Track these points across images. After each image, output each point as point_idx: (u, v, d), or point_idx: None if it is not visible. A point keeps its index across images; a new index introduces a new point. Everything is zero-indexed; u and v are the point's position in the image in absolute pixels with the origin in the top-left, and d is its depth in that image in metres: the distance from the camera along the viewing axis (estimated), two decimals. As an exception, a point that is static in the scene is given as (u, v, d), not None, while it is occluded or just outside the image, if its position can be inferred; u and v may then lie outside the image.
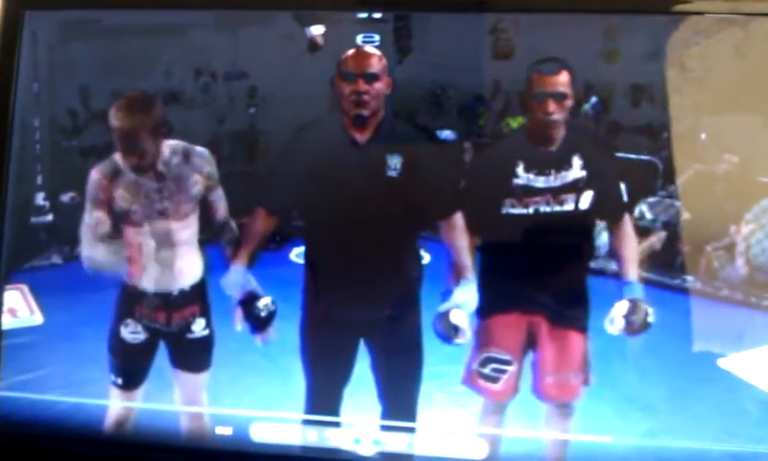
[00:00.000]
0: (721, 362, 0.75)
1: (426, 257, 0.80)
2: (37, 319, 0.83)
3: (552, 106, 0.75)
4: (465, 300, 0.78)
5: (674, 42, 0.74)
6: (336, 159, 0.79)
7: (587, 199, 0.77)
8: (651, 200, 0.78)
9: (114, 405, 0.83)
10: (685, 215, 0.77)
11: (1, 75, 0.81)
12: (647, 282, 0.78)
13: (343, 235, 0.79)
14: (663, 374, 0.76)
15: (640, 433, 0.76)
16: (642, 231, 0.78)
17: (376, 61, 0.77)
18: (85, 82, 0.82)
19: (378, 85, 0.77)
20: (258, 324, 0.81)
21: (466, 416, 0.78)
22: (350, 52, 0.78)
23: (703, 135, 0.76)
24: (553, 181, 0.77)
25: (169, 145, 0.81)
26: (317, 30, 0.78)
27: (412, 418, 0.79)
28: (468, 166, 0.78)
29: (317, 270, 0.80)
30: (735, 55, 0.74)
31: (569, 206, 0.77)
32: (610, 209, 0.78)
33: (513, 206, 0.77)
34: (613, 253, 0.78)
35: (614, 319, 0.76)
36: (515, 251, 0.77)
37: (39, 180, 0.83)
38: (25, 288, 0.84)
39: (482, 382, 0.79)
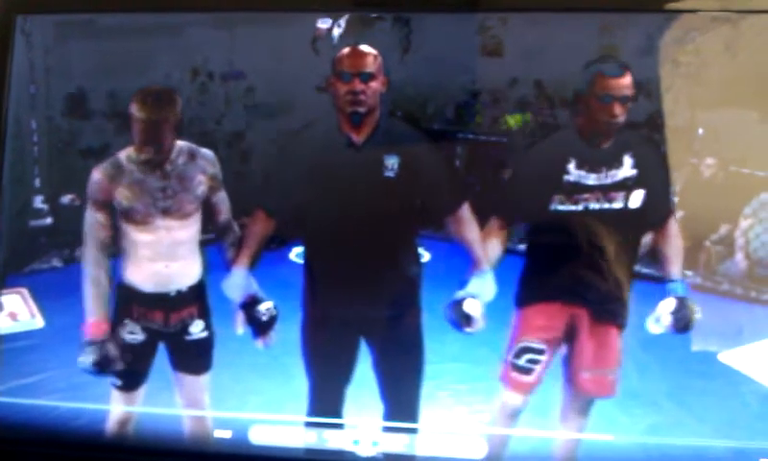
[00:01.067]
0: (721, 357, 0.75)
1: (426, 256, 0.80)
2: (38, 322, 0.83)
3: (618, 109, 0.75)
4: (479, 290, 0.78)
5: (668, 39, 0.74)
6: (333, 160, 0.79)
7: (636, 198, 0.77)
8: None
9: (114, 409, 0.82)
10: (684, 210, 0.77)
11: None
12: (647, 278, 0.78)
13: (341, 235, 0.79)
14: (664, 369, 0.76)
15: (642, 428, 0.76)
16: (646, 229, 0.78)
17: (372, 60, 0.77)
18: (82, 83, 0.82)
19: (374, 84, 0.78)
20: (260, 328, 0.81)
21: (466, 415, 0.78)
22: (346, 51, 0.78)
23: (700, 130, 0.76)
24: (604, 178, 0.77)
25: (175, 145, 0.82)
26: (314, 29, 0.78)
27: (414, 417, 0.79)
28: (517, 161, 0.78)
29: (317, 270, 0.80)
30: (729, 51, 0.74)
31: (618, 204, 0.77)
32: (657, 209, 0.78)
33: (562, 203, 0.77)
34: (658, 251, 0.78)
35: (661, 317, 0.76)
36: (562, 244, 0.77)
37: (38, 183, 0.83)
38: (25, 292, 0.84)
39: (515, 375, 0.79)
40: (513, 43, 0.76)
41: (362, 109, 0.78)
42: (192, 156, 0.82)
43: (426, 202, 0.79)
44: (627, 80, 0.75)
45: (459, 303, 0.78)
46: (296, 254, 0.81)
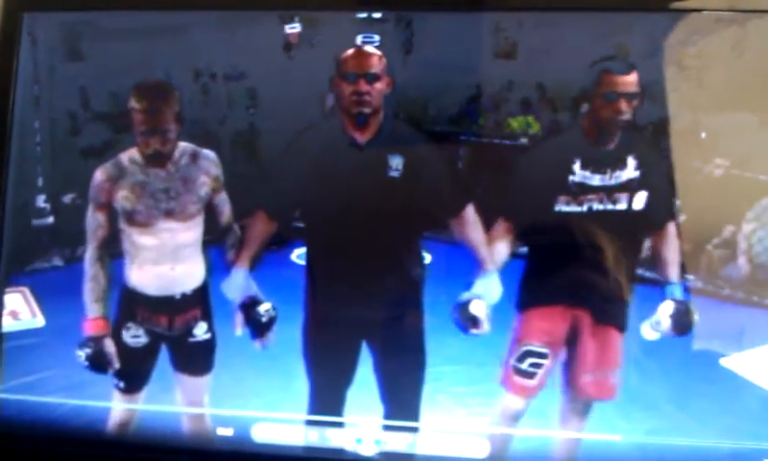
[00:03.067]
0: (723, 361, 0.75)
1: (428, 258, 0.79)
2: (39, 321, 0.83)
3: (623, 106, 0.75)
4: (485, 291, 0.78)
5: (673, 41, 0.74)
6: (336, 161, 0.79)
7: (640, 199, 0.77)
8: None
9: (116, 407, 0.83)
10: (686, 213, 0.77)
11: (0, 77, 0.81)
12: (648, 282, 0.78)
13: (343, 236, 0.79)
14: (666, 373, 0.76)
15: (644, 432, 0.76)
16: (647, 231, 0.78)
17: (377, 61, 0.77)
18: (86, 83, 0.81)
19: (379, 85, 0.77)
20: (259, 329, 0.81)
21: (468, 416, 0.78)
22: (350, 52, 0.78)
23: (703, 134, 0.75)
24: (608, 179, 0.76)
25: (178, 145, 0.82)
26: (316, 30, 0.78)
27: (414, 419, 0.79)
28: (521, 161, 0.78)
29: (318, 271, 0.80)
30: (733, 53, 0.74)
31: (622, 206, 0.77)
32: (659, 211, 0.77)
33: (567, 204, 0.76)
34: (656, 254, 0.78)
35: (660, 320, 0.76)
36: (565, 245, 0.77)
37: (40, 182, 0.83)
38: (26, 291, 0.84)
39: (517, 379, 0.79)
40: (520, 44, 0.76)
41: (367, 110, 0.78)
42: (195, 157, 0.82)
43: (430, 203, 0.79)
44: (633, 77, 0.75)
45: (465, 304, 0.78)
46: (297, 255, 0.81)
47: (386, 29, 0.78)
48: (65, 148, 0.83)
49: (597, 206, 0.76)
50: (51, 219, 0.83)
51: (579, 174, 0.76)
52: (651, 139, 0.76)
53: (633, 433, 0.76)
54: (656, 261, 0.78)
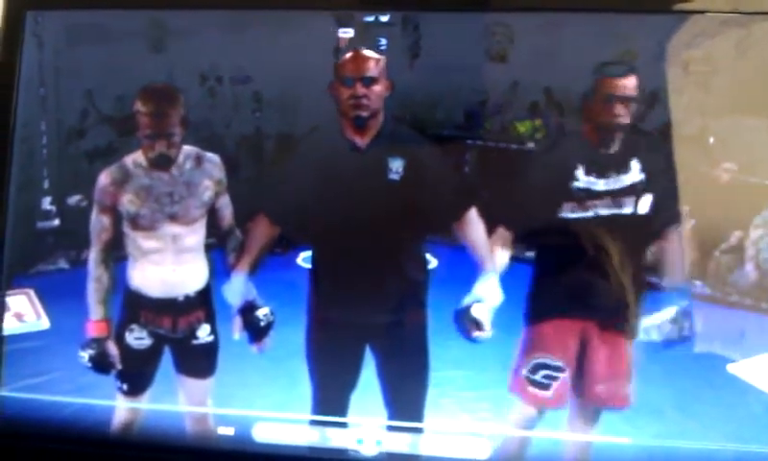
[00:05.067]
0: (730, 367, 0.75)
1: (433, 262, 0.79)
2: (44, 323, 0.83)
3: (620, 109, 0.75)
4: (485, 293, 0.77)
5: (679, 44, 0.74)
6: (337, 165, 0.79)
7: (646, 202, 0.76)
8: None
9: (120, 407, 0.83)
10: (694, 219, 0.76)
11: (3, 75, 0.81)
12: (657, 288, 0.77)
13: (345, 240, 0.79)
14: (673, 378, 0.75)
15: (650, 437, 0.75)
16: (653, 236, 0.78)
17: (374, 65, 0.77)
18: (91, 86, 0.82)
19: (377, 88, 0.77)
20: (256, 333, 0.81)
21: (471, 419, 0.78)
22: (348, 55, 0.78)
23: (711, 139, 0.75)
24: (613, 183, 0.76)
25: (183, 149, 0.82)
26: (336, 39, 0.78)
27: (417, 421, 0.78)
28: (526, 169, 0.78)
29: (322, 275, 0.80)
30: (742, 57, 0.74)
31: (628, 210, 0.76)
32: (665, 214, 0.77)
33: (572, 210, 0.76)
34: (661, 259, 0.78)
35: (661, 326, 0.76)
36: (571, 255, 0.77)
37: (46, 184, 0.83)
38: (32, 293, 0.84)
39: (531, 389, 0.78)
40: (521, 48, 0.76)
41: (365, 114, 0.78)
42: (199, 160, 0.82)
43: (432, 206, 0.79)
44: (630, 81, 0.75)
45: (466, 309, 0.77)
46: (302, 258, 0.81)
47: (393, 32, 0.78)
48: (72, 150, 0.83)
49: (604, 211, 0.76)
50: (57, 221, 0.83)
51: (583, 180, 0.76)
52: (654, 142, 0.76)
53: (639, 437, 0.75)
54: (660, 266, 0.78)
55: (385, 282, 0.79)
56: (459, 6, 0.77)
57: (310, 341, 0.80)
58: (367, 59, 0.77)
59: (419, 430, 0.78)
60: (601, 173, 0.76)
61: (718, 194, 0.75)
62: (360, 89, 0.77)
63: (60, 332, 0.83)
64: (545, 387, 0.79)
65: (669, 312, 0.76)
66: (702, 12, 0.74)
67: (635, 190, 0.76)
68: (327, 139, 0.79)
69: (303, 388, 0.80)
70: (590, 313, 0.78)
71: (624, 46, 0.75)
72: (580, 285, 0.77)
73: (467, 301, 0.77)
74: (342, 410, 0.79)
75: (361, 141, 0.79)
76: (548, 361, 0.79)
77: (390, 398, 0.80)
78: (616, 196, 0.76)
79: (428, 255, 0.79)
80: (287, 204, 0.81)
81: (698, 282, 0.76)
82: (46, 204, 0.83)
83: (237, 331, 0.81)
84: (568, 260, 0.77)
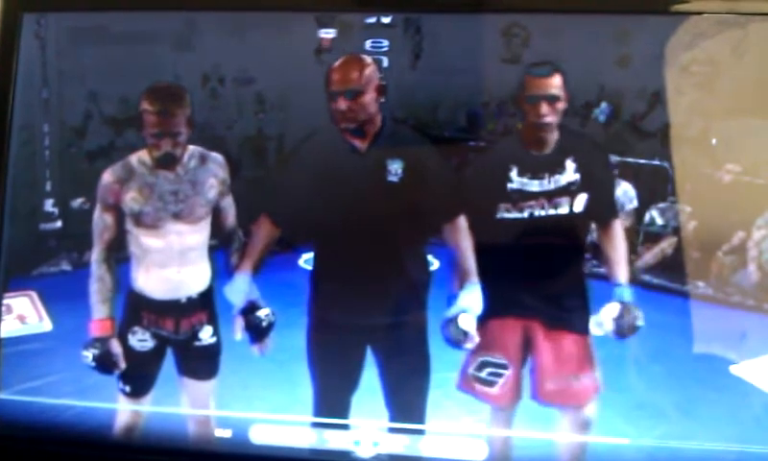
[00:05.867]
0: (733, 368, 0.74)
1: (435, 263, 0.79)
2: (46, 326, 0.83)
3: (545, 108, 0.75)
4: (471, 303, 0.77)
5: (680, 45, 0.74)
6: (337, 168, 0.79)
7: (580, 202, 0.77)
8: (661, 205, 0.77)
9: (120, 409, 0.83)
10: (696, 220, 0.76)
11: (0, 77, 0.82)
12: (657, 289, 0.77)
13: (347, 242, 0.79)
14: (674, 379, 0.75)
15: (651, 438, 0.75)
16: (653, 237, 0.78)
17: (357, 76, 0.77)
18: (94, 87, 0.82)
19: (363, 99, 0.77)
20: (258, 334, 0.81)
21: (470, 423, 0.78)
22: (335, 65, 0.77)
23: (714, 140, 0.75)
24: (547, 184, 0.77)
25: (188, 148, 0.82)
26: (325, 34, 0.78)
27: (417, 423, 0.78)
28: (464, 171, 0.78)
29: (323, 277, 0.80)
30: (738, 57, 0.74)
31: (564, 210, 0.77)
32: (601, 212, 0.78)
33: (508, 211, 0.77)
34: (603, 255, 0.78)
35: (603, 322, 0.76)
36: (510, 254, 0.77)
37: (49, 186, 0.83)
38: (34, 295, 0.84)
39: (478, 386, 0.79)
40: (529, 49, 0.76)
41: (352, 126, 0.78)
42: (203, 159, 0.82)
43: (428, 207, 0.79)
44: (554, 80, 0.75)
45: (453, 320, 0.77)
46: (304, 260, 0.81)
47: (395, 34, 0.78)
48: (74, 152, 0.83)
49: (539, 212, 0.76)
50: (59, 223, 0.83)
51: (517, 180, 0.76)
52: (588, 140, 0.77)
53: (640, 438, 0.75)
54: (602, 261, 0.78)
55: (386, 284, 0.79)
56: (460, 7, 0.77)
57: (311, 343, 0.80)
58: (349, 70, 0.77)
59: (415, 432, 0.78)
60: (535, 174, 0.76)
61: (720, 195, 0.75)
62: (342, 104, 0.77)
63: (63, 334, 0.83)
64: (491, 384, 0.79)
65: (612, 309, 0.76)
66: (699, 12, 0.74)
67: (570, 190, 0.77)
68: (328, 142, 0.79)
69: (302, 390, 0.80)
70: (532, 311, 0.78)
71: (622, 47, 0.75)
72: (520, 284, 0.77)
73: (452, 311, 0.77)
74: (343, 412, 0.79)
75: (361, 144, 0.79)
76: (492, 359, 0.79)
77: (391, 399, 0.80)
78: (551, 196, 0.76)
79: (430, 257, 0.79)
80: (289, 205, 0.81)
81: (700, 283, 0.76)
82: (49, 206, 0.83)
83: (239, 332, 0.81)
84: (506, 262, 0.77)
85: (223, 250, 0.83)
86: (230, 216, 0.83)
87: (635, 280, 0.78)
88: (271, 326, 0.81)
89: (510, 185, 0.77)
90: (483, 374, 0.79)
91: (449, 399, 0.78)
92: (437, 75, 0.77)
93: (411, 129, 0.79)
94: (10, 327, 0.83)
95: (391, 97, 0.78)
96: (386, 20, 0.77)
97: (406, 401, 0.79)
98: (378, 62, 0.78)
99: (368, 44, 0.78)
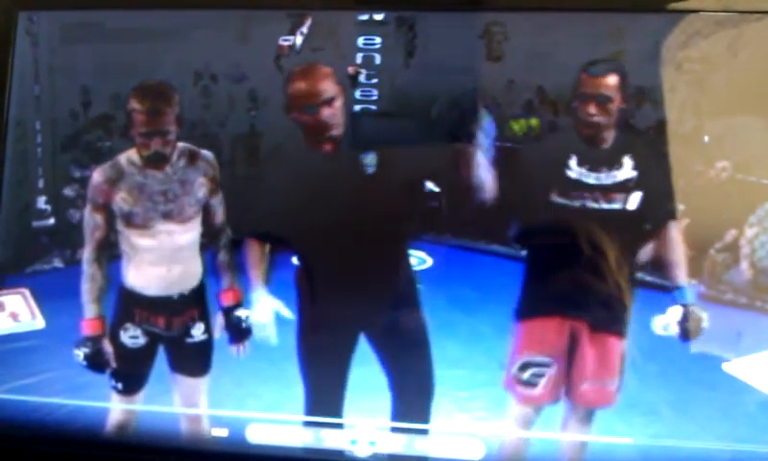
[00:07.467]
0: (726, 366, 0.74)
1: (428, 261, 0.79)
2: (39, 323, 0.83)
3: (593, 108, 0.75)
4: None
5: (673, 43, 0.74)
6: (311, 172, 0.79)
7: (635, 200, 0.76)
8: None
9: (115, 408, 0.83)
10: (688, 218, 0.76)
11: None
12: (650, 286, 0.77)
13: (333, 242, 0.79)
14: (668, 377, 0.75)
15: (646, 437, 0.75)
16: (645, 234, 0.78)
17: (316, 92, 0.77)
18: (86, 84, 0.82)
19: (324, 112, 0.77)
20: (238, 333, 0.81)
21: (467, 418, 0.78)
22: (292, 81, 0.78)
23: (706, 138, 0.75)
24: (604, 179, 0.76)
25: (177, 147, 0.82)
26: (276, 47, 0.78)
27: (425, 417, 0.78)
28: (516, 164, 0.77)
29: (312, 276, 0.80)
30: (736, 56, 0.74)
31: (618, 205, 0.76)
32: (658, 213, 0.77)
33: (561, 197, 0.76)
34: (661, 258, 0.77)
35: (669, 325, 0.76)
36: (562, 253, 0.76)
37: (41, 183, 0.83)
38: (27, 292, 0.84)
39: (520, 388, 0.78)
40: (519, 47, 0.76)
41: (335, 132, 0.78)
42: (193, 158, 0.82)
43: (408, 196, 0.78)
44: (608, 80, 0.75)
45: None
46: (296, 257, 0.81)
47: (387, 31, 0.78)
48: (67, 149, 0.83)
49: (591, 205, 0.76)
50: (52, 220, 0.83)
51: (575, 170, 0.76)
52: (649, 140, 0.76)
53: (635, 437, 0.75)
54: (660, 265, 0.77)
55: (371, 279, 0.79)
56: (453, 6, 0.77)
57: (300, 341, 0.80)
58: (318, 79, 0.77)
59: (413, 431, 0.78)
60: (593, 167, 0.76)
61: (713, 193, 0.75)
62: (304, 118, 0.77)
63: (55, 332, 0.83)
64: (533, 385, 0.78)
65: (676, 312, 0.76)
66: (694, 11, 0.74)
67: (626, 187, 0.76)
68: (295, 151, 0.79)
69: (297, 389, 0.80)
70: (579, 313, 0.77)
71: (619, 48, 0.75)
72: (570, 284, 0.77)
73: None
74: (335, 410, 0.79)
75: (330, 148, 0.79)
76: (534, 359, 0.78)
77: (394, 394, 0.79)
78: (607, 192, 0.76)
79: (417, 251, 0.79)
80: (270, 221, 0.81)
81: (693, 281, 0.76)
82: (41, 203, 0.83)
83: (218, 330, 0.82)
84: (559, 259, 0.76)
85: (211, 247, 0.83)
86: (220, 214, 0.82)
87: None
88: (250, 328, 0.81)
89: (568, 172, 0.76)
90: (525, 375, 0.78)
91: (447, 397, 0.78)
92: (429, 72, 0.77)
93: (380, 116, 0.78)
94: (2, 325, 0.83)
95: (383, 94, 0.78)
96: (378, 17, 0.77)
97: (407, 399, 0.79)
98: (371, 59, 0.78)
99: (360, 41, 0.77)
